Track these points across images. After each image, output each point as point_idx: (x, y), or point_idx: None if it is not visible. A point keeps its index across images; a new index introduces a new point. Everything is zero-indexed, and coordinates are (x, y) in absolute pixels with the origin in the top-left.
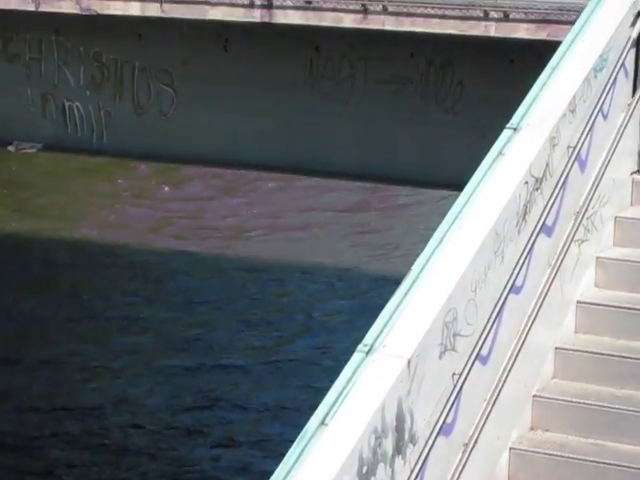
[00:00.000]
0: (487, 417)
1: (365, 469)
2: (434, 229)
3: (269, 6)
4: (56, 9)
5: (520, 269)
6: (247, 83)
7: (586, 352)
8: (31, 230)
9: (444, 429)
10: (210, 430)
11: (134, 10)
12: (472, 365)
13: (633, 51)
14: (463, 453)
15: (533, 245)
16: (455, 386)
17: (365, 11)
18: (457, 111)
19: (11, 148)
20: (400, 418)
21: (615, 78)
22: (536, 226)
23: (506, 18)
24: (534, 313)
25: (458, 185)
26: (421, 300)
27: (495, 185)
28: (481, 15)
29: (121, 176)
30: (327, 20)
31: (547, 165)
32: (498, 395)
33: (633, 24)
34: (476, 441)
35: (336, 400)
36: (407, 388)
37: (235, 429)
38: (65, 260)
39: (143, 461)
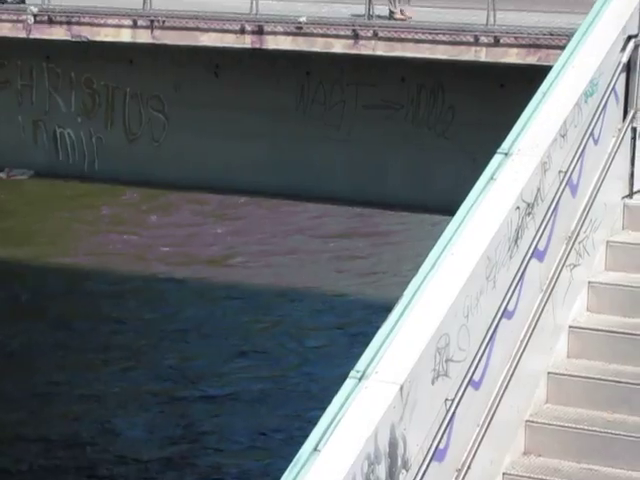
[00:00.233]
0: (480, 442)
1: None
2: (424, 255)
3: (259, 32)
4: (47, 36)
5: (512, 294)
6: (238, 108)
7: (578, 377)
8: (15, 258)
9: (437, 455)
10: (196, 461)
11: (125, 37)
12: (465, 390)
13: (623, 76)
14: (456, 479)
15: (525, 270)
16: (448, 411)
17: (356, 36)
18: (448, 135)
19: (2, 175)
20: (393, 444)
21: (606, 103)
22: (528, 251)
23: (496, 43)
24: (526, 338)
25: (449, 210)
26: (413, 326)
27: (486, 210)
28: (471, 40)
29: (109, 203)
30: (318, 45)
31: (538, 190)
32: (491, 420)
33: (623, 49)
34: (469, 466)
35: (329, 426)
36: (400, 414)
37: (221, 460)
38: (51, 288)
39: None
